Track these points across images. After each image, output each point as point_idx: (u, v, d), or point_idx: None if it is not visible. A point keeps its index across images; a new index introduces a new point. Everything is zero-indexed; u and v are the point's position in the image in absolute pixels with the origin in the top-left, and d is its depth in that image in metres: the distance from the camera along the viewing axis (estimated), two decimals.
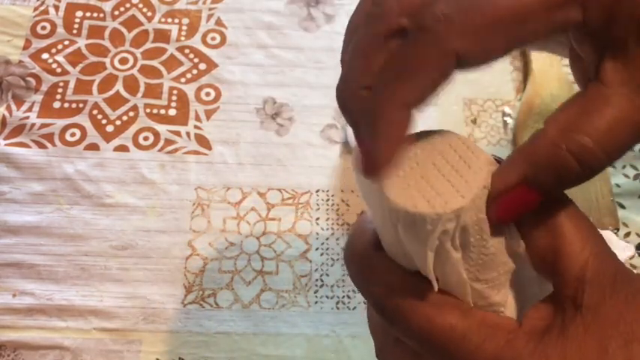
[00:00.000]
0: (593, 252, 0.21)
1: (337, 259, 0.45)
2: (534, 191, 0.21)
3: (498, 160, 0.23)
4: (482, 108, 0.52)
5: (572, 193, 0.22)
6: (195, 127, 0.50)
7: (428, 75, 0.21)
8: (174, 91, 0.51)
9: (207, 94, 0.52)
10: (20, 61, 0.52)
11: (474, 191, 0.21)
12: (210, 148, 0.49)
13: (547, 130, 0.21)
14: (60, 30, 0.54)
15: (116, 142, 0.49)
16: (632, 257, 0.33)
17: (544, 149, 0.21)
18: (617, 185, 0.48)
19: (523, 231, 0.23)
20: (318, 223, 0.47)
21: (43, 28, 0.54)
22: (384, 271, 0.24)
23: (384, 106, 0.22)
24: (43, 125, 0.49)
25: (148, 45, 0.54)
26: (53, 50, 0.53)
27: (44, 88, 0.51)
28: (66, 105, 0.50)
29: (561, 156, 0.21)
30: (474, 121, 0.51)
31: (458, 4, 0.21)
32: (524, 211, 0.22)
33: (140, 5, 0.55)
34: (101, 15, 0.55)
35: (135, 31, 0.54)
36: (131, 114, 0.50)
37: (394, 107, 0.22)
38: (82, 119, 0.50)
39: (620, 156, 0.21)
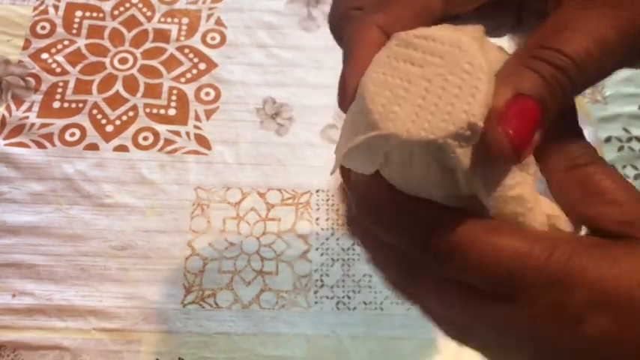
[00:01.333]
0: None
1: (337, 260, 0.45)
2: (529, 99, 0.21)
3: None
4: None
5: None
6: (195, 126, 0.50)
7: (410, 4, 0.22)
8: (174, 91, 0.51)
9: (207, 93, 0.52)
10: (20, 61, 0.52)
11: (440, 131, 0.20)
12: (209, 148, 0.49)
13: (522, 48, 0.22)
14: (59, 30, 0.54)
15: (116, 142, 0.49)
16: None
17: (519, 60, 0.21)
18: None
19: (564, 197, 0.23)
20: (318, 223, 0.46)
21: (43, 27, 0.54)
22: (421, 207, 0.22)
23: (361, 25, 0.23)
24: (43, 125, 0.49)
25: (148, 45, 0.54)
26: (53, 50, 0.53)
27: (44, 88, 0.51)
28: (65, 105, 0.50)
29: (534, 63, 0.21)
30: None
31: None
32: (532, 127, 0.21)
33: (140, 5, 0.55)
34: (101, 15, 0.55)
35: (135, 31, 0.54)
36: (131, 114, 0.50)
37: (369, 28, 0.22)
38: (82, 119, 0.50)
39: (597, 66, 0.21)
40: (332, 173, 0.24)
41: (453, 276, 0.22)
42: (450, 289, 0.23)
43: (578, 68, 0.21)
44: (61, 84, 0.51)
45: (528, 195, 0.22)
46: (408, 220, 0.22)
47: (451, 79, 0.20)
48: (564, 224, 0.23)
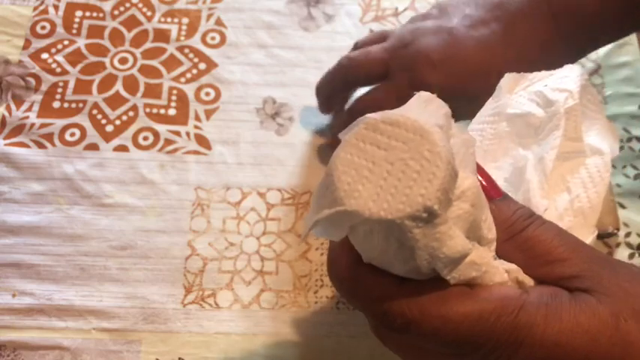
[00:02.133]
0: (581, 258, 0.24)
1: None
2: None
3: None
4: None
5: None
6: (195, 126, 0.50)
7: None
8: (174, 91, 0.51)
9: (207, 93, 0.52)
10: (20, 61, 0.52)
11: (394, 214, 0.21)
12: (210, 148, 0.49)
13: None
14: (59, 30, 0.54)
15: (116, 142, 0.49)
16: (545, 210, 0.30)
17: None
18: (618, 185, 0.48)
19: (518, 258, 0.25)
20: None
21: (43, 27, 0.54)
22: (378, 283, 0.24)
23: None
24: (43, 125, 0.49)
25: (148, 45, 0.54)
26: (53, 50, 0.53)
27: (44, 88, 0.51)
28: (65, 105, 0.50)
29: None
30: None
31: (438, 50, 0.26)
32: None
33: (140, 5, 0.55)
34: (101, 15, 0.55)
35: (135, 31, 0.54)
36: (131, 114, 0.50)
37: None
38: (82, 119, 0.50)
39: None
40: (302, 241, 0.25)
41: (411, 343, 0.25)
42: (408, 348, 0.26)
43: None
44: (61, 84, 0.51)
45: (481, 259, 0.24)
46: (364, 294, 0.25)
47: (411, 164, 0.22)
48: (525, 278, 0.25)
